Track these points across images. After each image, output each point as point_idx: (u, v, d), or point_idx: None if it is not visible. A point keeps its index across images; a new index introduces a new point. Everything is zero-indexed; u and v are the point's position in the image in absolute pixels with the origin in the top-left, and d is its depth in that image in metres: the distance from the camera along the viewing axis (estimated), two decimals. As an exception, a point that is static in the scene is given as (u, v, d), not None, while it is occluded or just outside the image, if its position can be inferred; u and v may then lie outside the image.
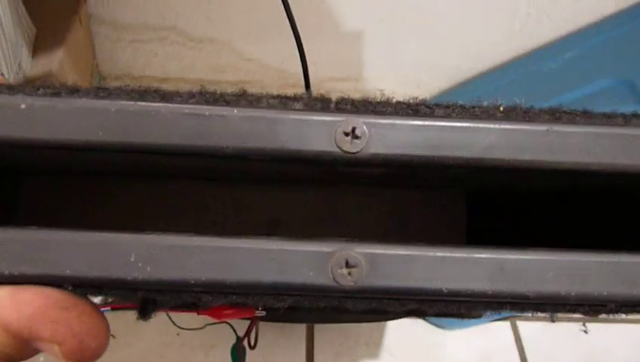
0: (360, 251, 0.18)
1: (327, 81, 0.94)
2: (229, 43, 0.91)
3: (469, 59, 0.94)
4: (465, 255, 0.18)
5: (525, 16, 0.88)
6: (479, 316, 0.49)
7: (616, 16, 0.89)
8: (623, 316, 0.19)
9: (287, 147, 0.18)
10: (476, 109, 0.19)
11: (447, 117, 0.18)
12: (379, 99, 0.19)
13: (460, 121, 0.18)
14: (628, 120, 0.19)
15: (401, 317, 0.76)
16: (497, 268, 0.18)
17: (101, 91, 0.18)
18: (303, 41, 0.73)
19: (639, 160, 0.18)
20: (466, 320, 0.80)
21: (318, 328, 0.80)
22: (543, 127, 0.18)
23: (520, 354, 0.79)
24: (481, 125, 0.18)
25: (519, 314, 0.81)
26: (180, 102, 0.18)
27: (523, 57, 0.94)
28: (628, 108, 0.20)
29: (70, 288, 0.18)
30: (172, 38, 0.91)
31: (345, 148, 0.17)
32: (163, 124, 0.17)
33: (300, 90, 0.76)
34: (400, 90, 0.95)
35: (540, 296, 0.18)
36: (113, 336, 0.77)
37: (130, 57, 0.92)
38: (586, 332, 0.81)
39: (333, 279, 0.18)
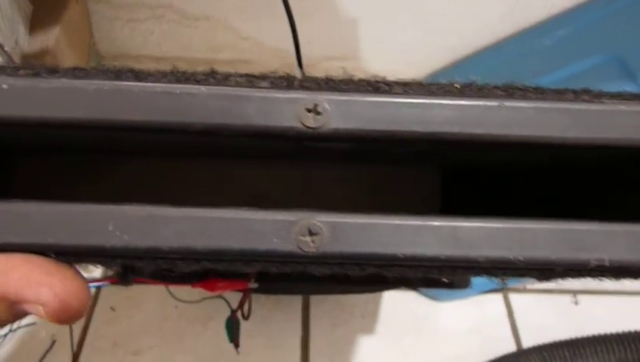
0: (322, 220, 0.19)
1: (323, 60, 0.95)
2: (225, 21, 0.91)
3: (464, 37, 0.94)
4: (420, 223, 0.19)
5: (518, -6, 0.88)
6: (465, 285, 0.50)
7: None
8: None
9: (253, 123, 0.19)
10: (433, 87, 0.20)
11: (404, 94, 0.19)
12: (341, 78, 0.20)
13: (416, 98, 0.19)
14: (578, 95, 0.20)
15: (392, 288, 0.77)
16: (450, 235, 0.19)
17: (79, 71, 0.19)
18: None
19: (587, 133, 0.19)
20: (458, 292, 0.81)
21: (314, 301, 0.82)
22: (495, 103, 0.19)
23: (511, 326, 0.81)
24: (436, 101, 0.19)
25: (507, 286, 0.83)
26: (152, 81, 0.19)
27: (516, 35, 0.94)
28: (618, 84, 0.21)
29: (53, 255, 0.19)
30: (168, 17, 0.91)
31: (307, 124, 0.19)
32: (136, 101, 0.19)
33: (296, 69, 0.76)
34: (394, 69, 0.95)
35: (490, 261, 0.19)
36: (113, 309, 0.80)
37: (127, 36, 0.92)
38: (576, 303, 0.83)
39: (297, 246, 0.19)
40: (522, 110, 0.19)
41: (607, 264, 0.19)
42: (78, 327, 0.78)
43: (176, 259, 0.19)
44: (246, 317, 0.54)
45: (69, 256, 0.19)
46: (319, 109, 0.19)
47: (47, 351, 0.76)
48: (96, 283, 0.84)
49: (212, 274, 0.49)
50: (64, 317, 0.18)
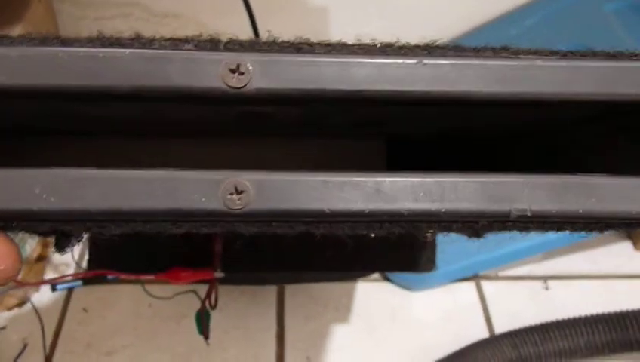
0: (247, 178, 0.19)
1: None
2: (194, 17, 0.91)
3: (432, 29, 0.95)
4: (344, 178, 0.19)
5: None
6: (430, 268, 0.51)
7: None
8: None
9: (177, 84, 0.19)
10: (356, 47, 0.20)
11: (326, 53, 0.20)
12: (265, 40, 0.20)
13: (337, 57, 0.19)
14: (496, 52, 0.20)
15: (363, 275, 0.78)
16: (374, 190, 0.19)
17: (5, 39, 0.20)
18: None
19: (504, 88, 0.20)
20: (430, 281, 0.82)
21: (288, 294, 0.82)
22: (414, 60, 0.19)
23: (484, 312, 0.82)
24: (356, 60, 0.19)
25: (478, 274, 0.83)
26: (77, 47, 0.19)
27: (486, 26, 0.96)
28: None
29: None
30: (137, 15, 0.91)
31: (230, 84, 0.19)
32: (60, 66, 0.19)
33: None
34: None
35: (413, 213, 0.19)
36: (85, 310, 0.79)
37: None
38: (547, 288, 0.84)
39: (224, 204, 0.19)
40: (441, 66, 0.19)
41: (528, 214, 0.20)
42: (50, 330, 0.78)
43: (105, 221, 0.19)
44: (213, 307, 0.54)
45: None
46: (242, 69, 0.19)
47: (19, 355, 0.76)
48: (66, 284, 0.83)
49: (175, 263, 0.49)
50: None
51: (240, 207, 0.19)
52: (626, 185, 0.20)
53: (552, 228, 0.21)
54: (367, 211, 0.19)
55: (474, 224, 0.20)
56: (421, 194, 0.19)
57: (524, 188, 0.20)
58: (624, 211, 0.20)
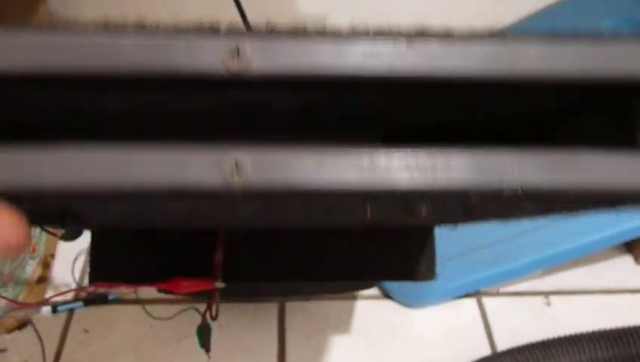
0: (247, 154, 0.20)
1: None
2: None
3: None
4: (339, 153, 0.20)
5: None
6: (430, 277, 0.51)
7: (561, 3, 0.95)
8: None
9: (179, 68, 0.20)
10: (350, 31, 0.21)
11: (321, 36, 0.21)
12: (265, 26, 0.21)
13: (332, 40, 0.20)
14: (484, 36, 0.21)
15: (365, 287, 0.78)
16: (369, 164, 0.20)
17: (13, 28, 0.20)
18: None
19: (491, 66, 0.20)
20: (430, 297, 0.82)
21: (289, 311, 0.82)
22: (403, 45, 0.20)
23: (486, 329, 0.82)
24: (350, 42, 0.20)
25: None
26: (84, 34, 0.20)
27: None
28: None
29: None
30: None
31: (230, 68, 0.20)
32: (66, 51, 0.20)
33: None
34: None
35: (407, 186, 0.20)
36: (86, 331, 0.79)
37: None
38: (548, 304, 0.84)
39: (224, 179, 0.20)
40: (430, 47, 0.20)
41: (520, 189, 0.20)
42: (51, 351, 0.77)
43: (109, 198, 0.20)
44: (214, 318, 0.54)
45: (7, 197, 0.20)
46: (241, 53, 0.20)
47: (19, 376, 0.75)
48: (67, 306, 0.83)
49: (175, 273, 0.49)
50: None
51: (238, 180, 0.20)
52: (614, 160, 0.21)
53: (543, 205, 0.22)
54: (361, 184, 0.20)
55: (467, 201, 0.21)
56: (415, 167, 0.20)
57: (515, 163, 0.20)
58: (613, 185, 0.21)
